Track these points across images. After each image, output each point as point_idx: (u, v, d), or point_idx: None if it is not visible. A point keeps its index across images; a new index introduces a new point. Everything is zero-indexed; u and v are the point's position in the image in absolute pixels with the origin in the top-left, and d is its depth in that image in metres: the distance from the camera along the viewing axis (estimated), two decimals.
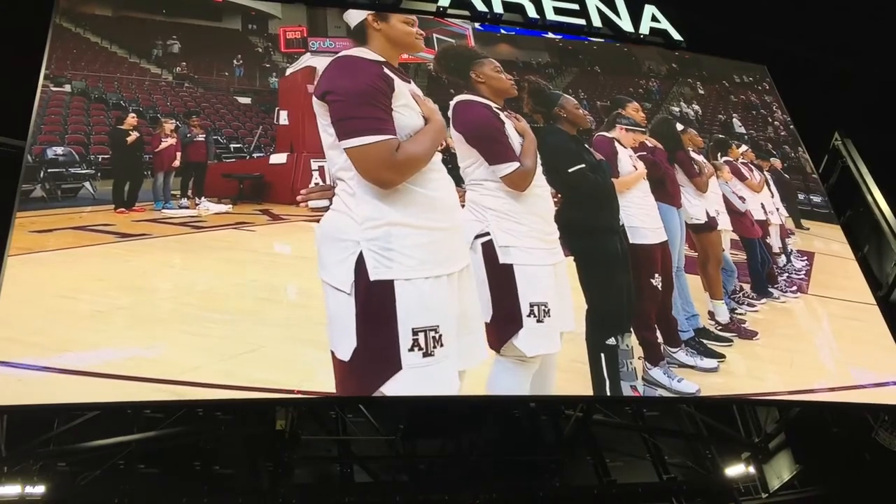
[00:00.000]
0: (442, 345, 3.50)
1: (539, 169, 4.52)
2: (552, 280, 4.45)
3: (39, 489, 5.99)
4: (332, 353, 3.51)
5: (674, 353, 5.90)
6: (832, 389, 6.40)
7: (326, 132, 3.54)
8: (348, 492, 7.36)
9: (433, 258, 3.59)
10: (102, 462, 6.50)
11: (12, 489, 5.90)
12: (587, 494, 8.00)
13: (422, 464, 7.79)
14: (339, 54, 3.72)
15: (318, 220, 3.65)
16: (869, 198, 8.09)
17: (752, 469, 8.00)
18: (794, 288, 7.40)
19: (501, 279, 4.20)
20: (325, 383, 5.01)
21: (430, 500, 7.38)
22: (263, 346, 4.97)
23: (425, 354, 3.46)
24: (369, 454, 7.63)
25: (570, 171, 5.06)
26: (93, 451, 6.29)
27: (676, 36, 9.12)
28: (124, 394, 4.60)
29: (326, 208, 3.63)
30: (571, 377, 5.20)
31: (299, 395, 4.99)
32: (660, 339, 5.79)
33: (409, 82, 3.76)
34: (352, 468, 7.50)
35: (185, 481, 6.92)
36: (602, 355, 5.09)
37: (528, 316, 4.25)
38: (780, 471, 7.91)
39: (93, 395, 4.62)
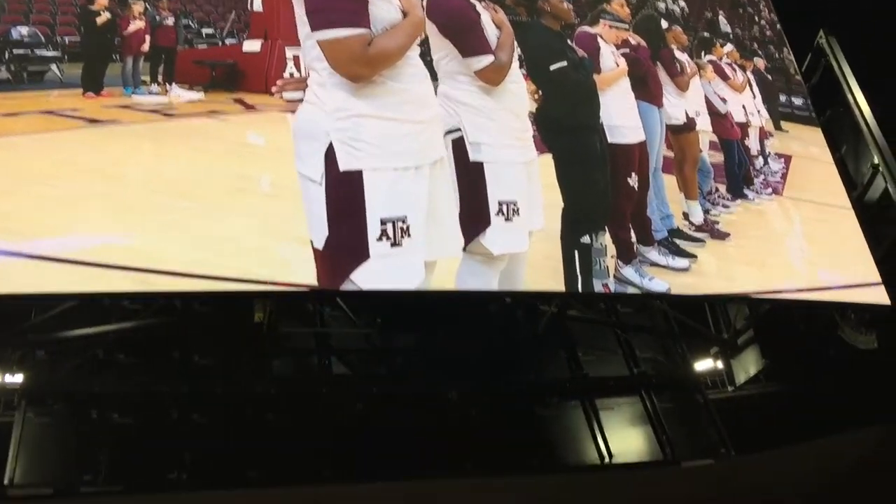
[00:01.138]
0: (410, 235, 3.60)
1: (514, 64, 4.46)
2: (523, 178, 4.46)
3: (18, 378, 6.06)
4: (311, 242, 3.62)
5: (646, 252, 5.97)
6: (801, 290, 6.53)
7: (301, 21, 3.52)
8: (326, 383, 7.52)
9: (403, 150, 3.66)
10: (81, 352, 6.57)
11: None
12: (560, 388, 8.22)
13: (399, 357, 7.93)
14: None
15: (293, 112, 3.65)
16: (849, 97, 8.05)
17: (720, 364, 8.24)
18: (770, 190, 7.45)
19: (470, 177, 4.22)
20: (301, 275, 5.06)
21: (407, 392, 7.55)
22: (237, 236, 4.96)
23: (393, 244, 3.57)
24: (347, 347, 7.76)
25: (551, 68, 5.00)
26: (72, 341, 6.35)
27: None
28: (99, 282, 4.60)
29: (301, 100, 3.66)
30: (544, 274, 5.27)
31: (278, 288, 5.02)
32: (633, 239, 5.84)
33: None
34: (330, 360, 7.64)
35: (165, 371, 7.01)
36: (576, 253, 5.16)
37: (497, 214, 4.29)
38: (748, 366, 8.17)
39: (67, 284, 4.60)
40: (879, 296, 6.54)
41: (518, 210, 4.35)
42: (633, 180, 5.73)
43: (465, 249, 4.38)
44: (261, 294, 5.69)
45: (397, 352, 7.93)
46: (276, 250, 4.96)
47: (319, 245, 3.58)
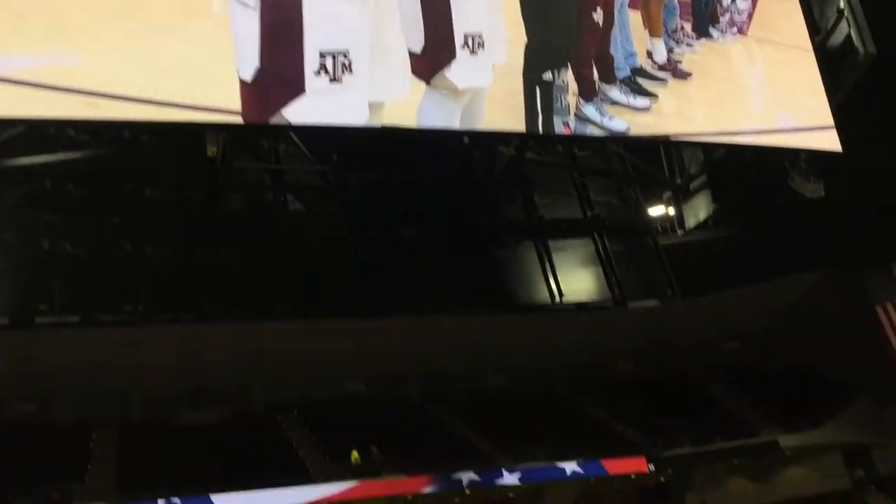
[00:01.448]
0: (351, 72, 3.44)
1: None
2: (487, 10, 4.34)
3: None
4: (238, 73, 3.44)
5: (608, 90, 5.91)
6: (758, 132, 6.57)
7: None
8: (281, 219, 7.52)
9: None
10: (29, 181, 6.43)
11: None
12: (515, 230, 8.35)
13: (355, 195, 7.93)
14: None
15: None
16: None
17: (672, 209, 8.41)
18: (735, 29, 7.30)
19: (435, 6, 4.06)
20: None
21: (362, 231, 7.60)
22: (188, 62, 4.68)
23: (332, 80, 3.43)
24: (302, 184, 7.72)
25: None
26: (18, 170, 6.19)
27: None
28: (44, 106, 4.36)
29: None
30: (505, 111, 5.21)
31: (231, 119, 4.71)
32: (596, 76, 5.76)
33: None
34: (285, 197, 7.60)
35: (116, 203, 6.93)
36: (537, 89, 5.10)
37: (462, 47, 4.20)
38: (698, 211, 8.35)
39: (9, 107, 4.35)
40: (832, 142, 6.62)
41: (483, 43, 4.28)
42: (598, 15, 5.59)
43: (428, 83, 4.31)
44: (213, 126, 5.52)
45: (354, 190, 7.92)
46: (229, 78, 4.73)
47: (248, 76, 3.43)
